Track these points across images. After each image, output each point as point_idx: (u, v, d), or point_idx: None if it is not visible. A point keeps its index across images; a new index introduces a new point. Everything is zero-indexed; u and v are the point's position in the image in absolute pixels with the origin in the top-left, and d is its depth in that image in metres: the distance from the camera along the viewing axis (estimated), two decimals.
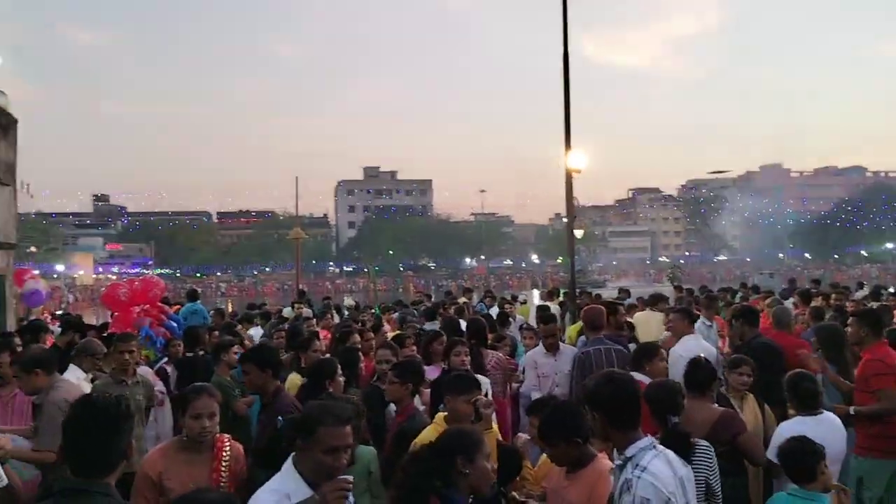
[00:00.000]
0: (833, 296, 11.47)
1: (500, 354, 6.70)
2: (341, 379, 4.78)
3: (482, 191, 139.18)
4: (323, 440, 2.66)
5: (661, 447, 2.77)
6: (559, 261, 77.05)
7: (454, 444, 2.80)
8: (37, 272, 14.15)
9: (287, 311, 12.81)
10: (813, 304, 9.61)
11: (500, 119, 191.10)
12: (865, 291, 15.08)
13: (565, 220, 15.23)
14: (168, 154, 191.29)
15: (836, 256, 78.35)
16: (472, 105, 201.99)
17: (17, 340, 6.24)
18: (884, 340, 5.26)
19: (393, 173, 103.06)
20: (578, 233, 22.87)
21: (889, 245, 73.31)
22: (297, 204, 39.12)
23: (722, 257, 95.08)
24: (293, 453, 2.79)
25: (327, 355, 5.82)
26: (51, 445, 4.14)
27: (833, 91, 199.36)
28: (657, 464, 2.65)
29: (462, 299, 14.89)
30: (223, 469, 3.42)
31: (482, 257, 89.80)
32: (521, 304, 14.26)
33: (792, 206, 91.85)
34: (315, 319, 10.28)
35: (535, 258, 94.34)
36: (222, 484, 3.41)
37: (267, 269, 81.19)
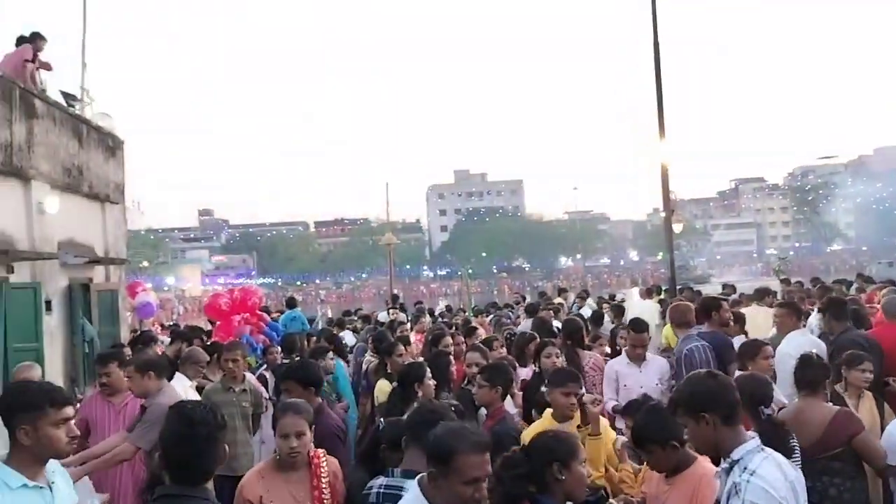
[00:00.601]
0: None
1: (598, 355, 6.52)
2: (431, 382, 4.77)
3: (575, 188, 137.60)
4: (462, 470, 2.41)
5: (768, 449, 2.59)
6: (659, 257, 74.85)
7: (549, 450, 2.76)
8: (148, 285, 14.99)
9: (382, 316, 13.02)
10: None
11: (591, 112, 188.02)
12: None
13: (663, 214, 14.73)
14: (265, 166, 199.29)
15: None
16: (560, 100, 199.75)
17: (128, 351, 6.59)
18: None
19: (483, 175, 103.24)
20: (677, 227, 22.07)
21: None
22: (387, 210, 39.73)
23: (835, 247, 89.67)
24: (420, 476, 2.59)
25: (420, 359, 5.84)
26: (139, 442, 4.35)
27: None
28: (767, 467, 2.49)
29: (557, 300, 14.69)
30: (324, 487, 3.28)
31: (578, 256, 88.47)
32: (620, 303, 13.88)
33: None
34: (409, 324, 10.38)
35: (633, 255, 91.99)
36: (325, 502, 3.28)
37: (363, 275, 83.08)
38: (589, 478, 3.02)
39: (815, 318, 7.81)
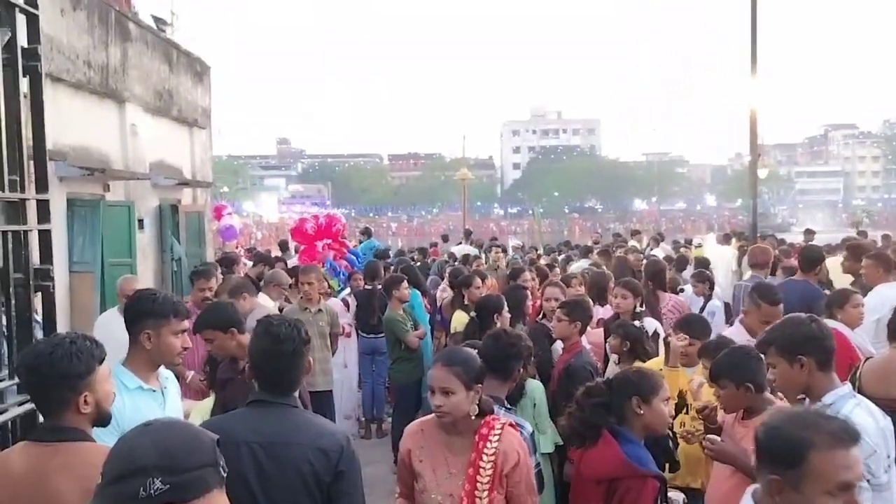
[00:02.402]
0: None
1: (679, 297, 6.48)
2: (507, 315, 4.86)
3: (654, 129, 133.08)
4: (823, 474, 1.71)
5: (860, 396, 2.58)
6: (738, 203, 72.35)
7: (632, 385, 2.80)
8: (231, 209, 15.51)
9: (457, 249, 13.14)
10: None
11: (674, 50, 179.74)
12: None
13: (747, 159, 14.15)
14: (345, 98, 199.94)
15: None
16: (642, 38, 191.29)
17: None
18: None
19: (559, 113, 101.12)
20: (762, 173, 21.19)
21: None
22: (463, 145, 39.51)
23: None
24: (754, 490, 1.97)
25: (497, 293, 5.91)
26: None
27: None
28: (860, 413, 2.51)
29: (631, 242, 14.49)
30: (483, 466, 2.55)
31: (653, 199, 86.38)
32: (697, 247, 13.60)
33: None
34: (483, 259, 10.46)
35: (710, 200, 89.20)
36: (478, 496, 2.55)
37: (434, 210, 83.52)
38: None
39: None
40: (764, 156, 19.44)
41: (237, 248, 13.94)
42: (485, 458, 2.53)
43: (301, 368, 2.49)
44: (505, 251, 12.24)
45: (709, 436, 3.07)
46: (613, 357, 4.63)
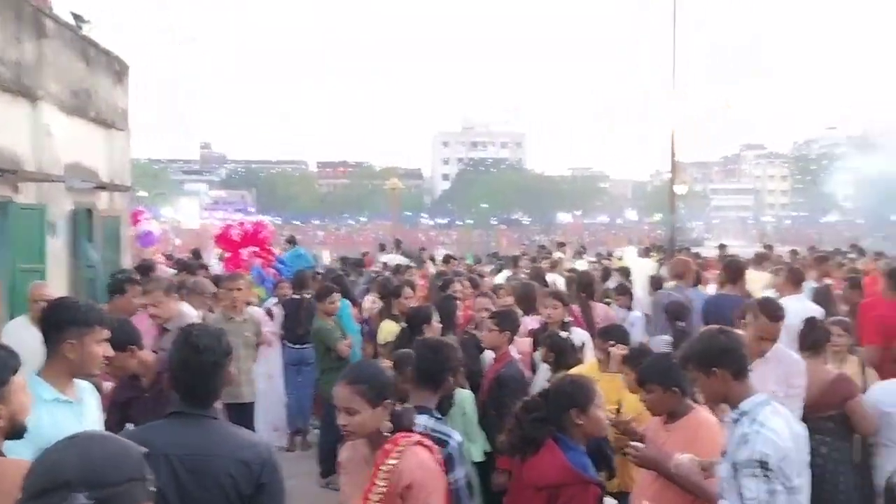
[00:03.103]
0: None
1: (608, 308, 6.68)
2: (438, 325, 4.88)
3: (578, 145, 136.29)
4: None
5: (775, 403, 2.71)
6: (656, 218, 74.86)
7: (568, 396, 2.84)
8: (149, 215, 14.99)
9: (387, 259, 13.10)
10: None
11: (599, 71, 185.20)
12: None
13: (666, 175, 14.72)
14: (271, 103, 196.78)
15: None
16: (567, 56, 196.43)
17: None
18: None
19: (488, 125, 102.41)
20: (680, 189, 22.01)
21: None
22: (392, 155, 39.46)
23: (830, 218, 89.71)
24: None
25: (427, 303, 5.93)
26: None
27: None
28: (775, 420, 2.63)
29: (556, 254, 14.82)
30: (378, 486, 2.43)
31: (577, 213, 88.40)
32: (618, 260, 14.05)
33: None
34: (414, 268, 10.47)
35: (631, 215, 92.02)
36: None
37: (363, 219, 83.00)
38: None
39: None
40: (682, 173, 20.24)
41: (155, 255, 13.46)
42: (381, 475, 2.43)
43: (222, 380, 2.44)
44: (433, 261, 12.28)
45: (632, 443, 3.17)
46: (545, 366, 4.72)
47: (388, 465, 2.43)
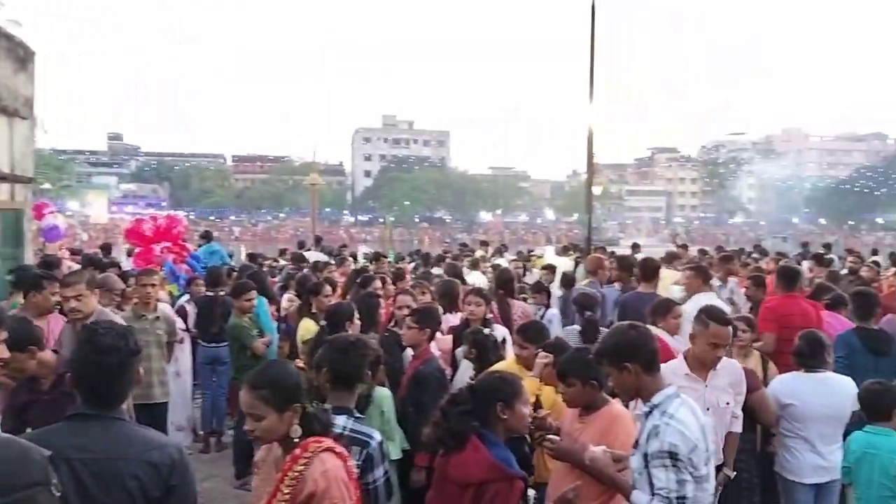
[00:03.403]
0: (849, 259, 11.59)
1: (526, 305, 6.77)
2: (358, 322, 4.85)
3: (498, 145, 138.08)
4: None
5: (684, 395, 2.82)
6: (574, 217, 76.74)
7: (496, 390, 2.85)
8: (54, 208, 14.24)
9: (307, 255, 12.89)
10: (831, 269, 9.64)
11: (520, 73, 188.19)
12: (881, 258, 15.08)
13: (583, 176, 15.11)
14: (185, 94, 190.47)
15: (850, 223, 77.49)
16: (491, 56, 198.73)
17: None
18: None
19: (411, 123, 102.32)
20: (597, 189, 22.65)
21: None
22: (314, 150, 38.82)
23: (736, 220, 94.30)
24: None
25: (347, 300, 5.88)
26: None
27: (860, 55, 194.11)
28: (684, 412, 2.73)
29: (479, 252, 14.97)
30: (280, 492, 2.35)
31: (498, 211, 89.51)
32: (538, 258, 14.33)
33: (810, 171, 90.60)
34: (334, 266, 10.34)
35: (550, 214, 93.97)
36: None
37: (281, 215, 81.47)
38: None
39: (733, 283, 8.40)
40: (598, 174, 20.83)
41: (61, 249, 12.80)
42: (287, 481, 2.34)
43: (128, 381, 2.34)
44: (355, 258, 12.17)
45: (549, 436, 3.24)
46: (466, 363, 4.75)
47: (294, 471, 2.35)
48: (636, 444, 2.80)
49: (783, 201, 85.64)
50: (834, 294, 6.57)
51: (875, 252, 17.59)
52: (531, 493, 2.85)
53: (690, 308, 5.98)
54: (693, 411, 2.77)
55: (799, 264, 9.94)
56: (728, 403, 3.99)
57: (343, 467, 2.43)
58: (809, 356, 4.31)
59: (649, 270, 6.80)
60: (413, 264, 12.08)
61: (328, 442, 2.47)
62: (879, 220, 76.08)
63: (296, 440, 2.44)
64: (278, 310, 8.03)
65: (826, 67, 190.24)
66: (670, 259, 10.91)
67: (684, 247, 16.86)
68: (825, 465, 4.25)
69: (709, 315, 3.86)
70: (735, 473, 4.08)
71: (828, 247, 17.02)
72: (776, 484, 4.51)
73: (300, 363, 2.66)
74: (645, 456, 2.69)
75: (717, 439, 3.48)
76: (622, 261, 8.02)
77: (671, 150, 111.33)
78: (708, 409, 3.76)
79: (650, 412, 2.75)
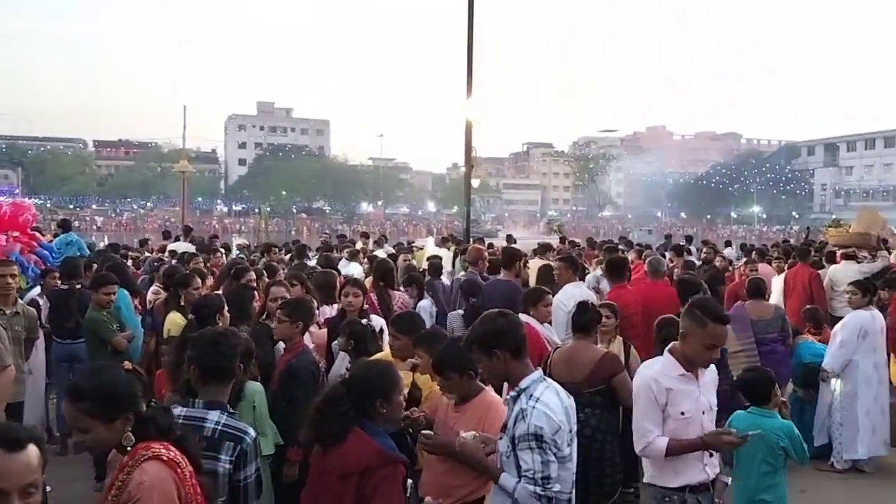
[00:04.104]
0: (704, 250, 12.55)
1: (406, 296, 6.82)
2: (228, 315, 4.69)
3: (380, 135, 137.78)
4: None
5: (549, 380, 2.93)
6: (454, 210, 77.78)
7: (373, 386, 2.81)
8: None
9: (175, 246, 12.30)
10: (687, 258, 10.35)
11: (401, 63, 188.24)
12: (732, 250, 16.41)
13: (463, 169, 15.33)
14: (40, 74, 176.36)
15: (708, 217, 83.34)
16: (372, 46, 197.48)
17: None
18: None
19: (288, 110, 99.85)
20: (475, 182, 23.05)
21: (756, 208, 78.70)
22: (184, 135, 37.08)
23: (606, 213, 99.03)
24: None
25: (217, 292, 5.66)
26: None
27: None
28: (549, 395, 2.83)
29: (358, 244, 14.87)
30: (106, 500, 2.27)
31: (379, 203, 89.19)
32: (419, 250, 14.42)
33: (672, 168, 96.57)
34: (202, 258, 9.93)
35: (431, 206, 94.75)
36: None
37: (148, 204, 77.27)
38: None
39: (593, 274, 8.79)
40: (477, 167, 21.18)
41: None
42: (113, 491, 2.23)
43: None
44: (228, 249, 11.74)
45: (423, 431, 3.26)
46: (343, 355, 4.69)
47: (119, 481, 2.23)
48: (504, 428, 2.88)
49: (648, 196, 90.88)
50: (689, 283, 7.14)
51: (728, 244, 19.09)
52: (409, 482, 2.86)
53: (560, 297, 6.27)
54: (557, 393, 2.89)
55: (662, 255, 10.64)
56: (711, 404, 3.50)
57: (171, 476, 2.26)
58: (669, 340, 4.61)
59: (508, 258, 7.10)
60: (289, 255, 11.80)
61: (157, 448, 2.29)
62: (733, 215, 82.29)
63: (129, 448, 2.29)
64: (143, 303, 7.62)
65: (687, 69, 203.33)
66: (543, 250, 11.33)
67: (564, 239, 17.53)
68: None
69: (705, 312, 3.30)
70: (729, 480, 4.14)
71: (688, 239, 18.35)
72: (637, 462, 4.80)
73: (128, 365, 2.43)
74: (513, 439, 2.77)
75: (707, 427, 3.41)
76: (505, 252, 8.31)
77: (546, 146, 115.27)
78: (703, 412, 3.37)
79: (517, 396, 2.84)
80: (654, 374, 3.38)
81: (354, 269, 9.40)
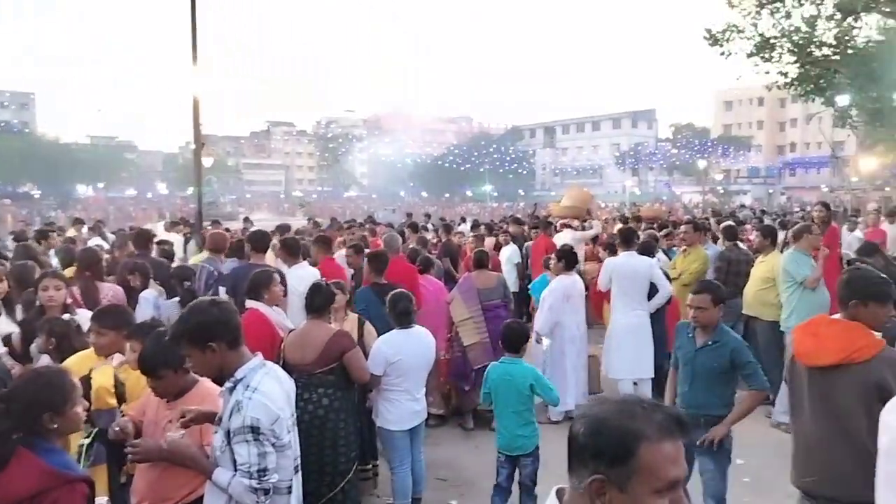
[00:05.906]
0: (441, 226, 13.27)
1: (117, 287, 6.16)
2: None
3: (99, 110, 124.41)
4: (652, 470, 1.39)
5: (270, 364, 2.79)
6: (189, 192, 73.18)
7: (39, 402, 2.45)
8: None
9: None
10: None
11: (123, 31, 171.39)
12: (467, 225, 17.57)
13: (194, 147, 14.37)
14: None
15: (447, 195, 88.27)
16: (86, 8, 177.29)
17: None
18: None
19: None
20: (209, 161, 21.81)
21: (488, 187, 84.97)
22: None
23: (352, 193, 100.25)
24: (559, 489, 1.54)
25: None
26: None
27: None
28: (268, 381, 2.69)
29: (70, 231, 13.37)
30: None
31: (100, 185, 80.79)
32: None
33: (412, 149, 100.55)
34: None
35: (162, 188, 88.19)
36: None
37: None
38: None
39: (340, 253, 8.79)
40: (210, 146, 20.06)
41: None
42: None
43: None
44: None
45: (131, 442, 2.94)
46: (45, 358, 4.12)
47: None
48: (219, 422, 2.69)
49: (391, 176, 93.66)
50: (422, 257, 7.49)
51: (463, 220, 20.46)
52: (102, 500, 2.55)
53: (292, 281, 6.12)
54: (278, 379, 2.77)
55: (402, 234, 11.01)
56: None
57: None
58: (404, 313, 4.86)
59: (256, 241, 6.83)
60: None
61: None
62: (469, 193, 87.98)
63: None
64: None
65: (427, 58, 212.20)
66: (282, 231, 11.07)
67: (311, 220, 17.45)
68: (419, 409, 4.88)
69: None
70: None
71: (428, 216, 19.32)
72: (374, 439, 4.94)
73: None
74: (228, 433, 2.61)
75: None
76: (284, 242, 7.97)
77: (288, 125, 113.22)
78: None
79: (233, 388, 2.67)
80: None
81: (53, 260, 8.41)
